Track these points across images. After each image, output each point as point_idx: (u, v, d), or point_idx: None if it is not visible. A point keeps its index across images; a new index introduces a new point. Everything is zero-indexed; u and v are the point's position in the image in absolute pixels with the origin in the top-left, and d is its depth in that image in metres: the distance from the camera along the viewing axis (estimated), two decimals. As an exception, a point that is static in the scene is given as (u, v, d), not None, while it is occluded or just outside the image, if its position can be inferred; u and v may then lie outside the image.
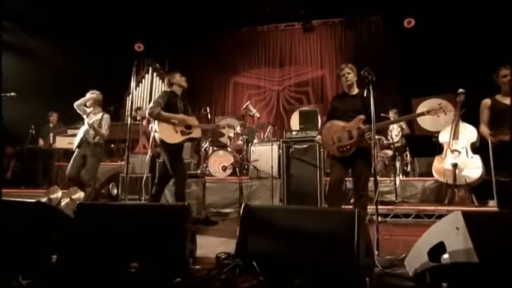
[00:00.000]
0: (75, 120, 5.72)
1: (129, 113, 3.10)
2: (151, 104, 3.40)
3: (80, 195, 4.96)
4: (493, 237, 1.45)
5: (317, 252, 1.64)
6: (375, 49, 8.13)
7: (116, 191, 5.15)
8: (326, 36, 9.04)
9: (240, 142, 5.65)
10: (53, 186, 4.99)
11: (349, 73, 3.14)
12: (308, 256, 1.66)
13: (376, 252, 2.22)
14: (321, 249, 1.63)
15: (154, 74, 7.71)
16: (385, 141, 6.44)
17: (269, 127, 5.57)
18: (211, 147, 5.72)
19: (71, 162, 4.25)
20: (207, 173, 5.41)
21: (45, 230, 2.04)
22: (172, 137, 3.41)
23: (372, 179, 2.79)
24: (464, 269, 1.44)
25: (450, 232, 1.59)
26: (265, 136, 5.54)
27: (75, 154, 4.28)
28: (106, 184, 5.19)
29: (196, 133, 3.46)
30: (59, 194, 4.93)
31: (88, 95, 4.29)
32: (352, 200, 3.35)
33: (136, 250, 1.92)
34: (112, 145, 6.77)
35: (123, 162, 5.47)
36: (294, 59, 9.14)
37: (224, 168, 5.30)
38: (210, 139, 5.74)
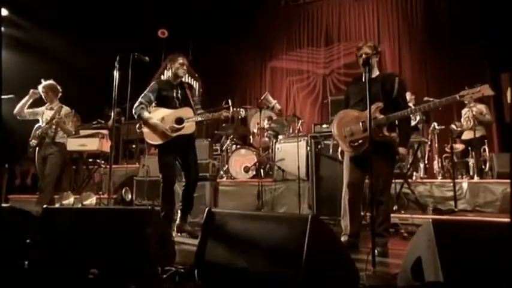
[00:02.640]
0: (89, 119, 6.44)
1: (114, 113, 3.35)
2: (137, 101, 3.57)
3: (92, 200, 5.62)
4: (464, 252, 1.40)
5: (267, 263, 1.73)
6: (453, 14, 7.62)
7: (129, 196, 5.68)
8: (385, 2, 8.69)
9: (265, 139, 5.78)
10: (66, 191, 5.71)
11: (367, 53, 3.10)
12: (257, 266, 1.76)
13: (371, 269, 2.22)
14: (270, 258, 1.72)
15: (177, 64, 8.23)
16: (456, 128, 6.06)
17: (300, 121, 5.61)
18: (233, 146, 5.95)
19: (38, 170, 4.43)
20: (229, 175, 5.66)
21: (18, 235, 2.44)
22: (158, 137, 3.52)
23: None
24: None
25: (424, 245, 1.57)
26: (296, 131, 5.59)
27: (36, 159, 4.40)
28: (120, 189, 5.75)
29: (189, 128, 3.50)
30: (71, 199, 5.62)
31: (39, 88, 4.37)
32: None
33: (98, 256, 2.20)
34: (133, 146, 7.43)
35: (139, 165, 5.98)
36: (343, 34, 8.98)
37: (247, 170, 5.49)
38: (231, 136, 5.97)
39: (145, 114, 3.55)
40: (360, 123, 3.03)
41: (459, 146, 6.12)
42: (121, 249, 2.18)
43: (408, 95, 6.49)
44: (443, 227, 1.48)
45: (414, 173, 5.94)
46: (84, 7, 7.17)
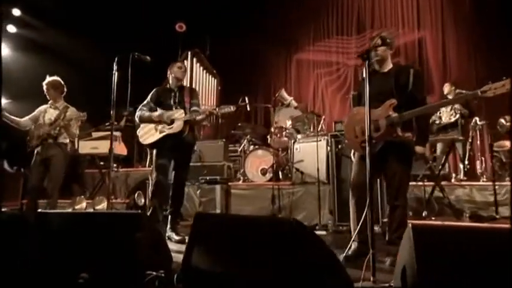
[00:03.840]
0: (102, 120, 6.79)
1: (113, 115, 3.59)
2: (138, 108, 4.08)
3: (104, 205, 5.95)
4: (443, 256, 1.44)
5: (251, 268, 1.84)
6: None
7: (143, 200, 5.95)
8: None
9: (284, 138, 5.87)
10: (79, 196, 6.08)
11: (379, 45, 3.13)
12: (242, 272, 1.87)
13: (371, 279, 2.27)
14: (253, 264, 1.83)
15: (194, 59, 8.48)
16: (505, 123, 5.86)
17: (321, 118, 5.65)
18: (251, 146, 6.08)
19: (32, 171, 4.55)
20: (246, 178, 5.79)
21: (12, 240, 2.70)
22: (147, 136, 3.98)
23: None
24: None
25: (407, 251, 1.63)
26: (316, 130, 5.64)
27: (33, 160, 4.49)
28: (133, 193, 6.04)
29: (177, 127, 3.85)
30: (84, 204, 5.98)
31: (44, 85, 4.55)
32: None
33: (89, 260, 2.41)
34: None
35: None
36: (377, 20, 8.86)
37: (264, 172, 5.60)
38: (248, 136, 6.10)
39: (145, 113, 4.01)
40: (372, 122, 3.06)
41: (507, 144, 5.92)
42: (111, 254, 2.37)
43: (447, 88, 6.37)
44: (423, 231, 1.52)
45: (454, 175, 5.82)
46: (95, 5, 7.55)
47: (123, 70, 3.69)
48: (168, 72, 4.13)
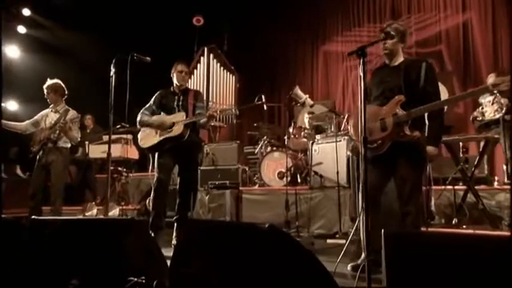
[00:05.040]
0: (114, 122, 7.11)
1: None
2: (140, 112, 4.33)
3: (115, 212, 6.25)
4: (414, 262, 1.52)
5: (233, 275, 1.98)
6: None
7: (154, 206, 6.20)
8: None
9: (303, 139, 5.94)
10: (90, 203, 6.42)
11: (381, 39, 3.18)
12: (224, 278, 2.01)
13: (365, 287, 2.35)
14: (235, 271, 1.97)
15: (211, 55, 8.69)
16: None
17: (345, 116, 5.66)
18: (268, 148, 6.19)
19: (33, 177, 4.81)
20: (262, 182, 5.91)
21: (8, 248, 2.96)
22: (147, 140, 4.20)
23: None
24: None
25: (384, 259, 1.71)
26: (342, 129, 5.67)
27: (35, 165, 4.76)
28: (144, 199, 6.30)
29: (176, 131, 4.04)
30: (94, 211, 6.32)
31: (45, 89, 4.82)
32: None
33: (79, 267, 2.62)
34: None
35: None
36: (414, 3, 8.68)
37: (281, 176, 5.69)
38: (264, 137, 6.22)
39: (145, 118, 4.26)
40: (379, 121, 3.11)
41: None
42: (102, 260, 2.57)
43: (491, 78, 6.18)
44: (394, 238, 1.59)
45: (496, 178, 5.68)
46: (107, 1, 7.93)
47: (134, 70, 3.94)
48: (172, 73, 4.33)
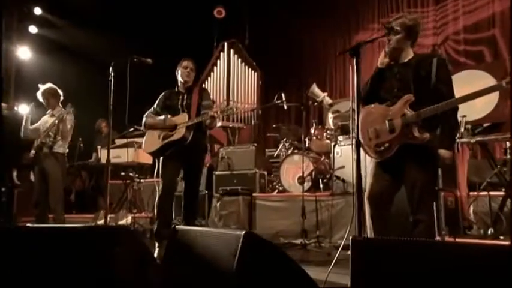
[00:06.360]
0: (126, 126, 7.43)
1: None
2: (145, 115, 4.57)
3: (127, 220, 6.56)
4: (379, 269, 1.65)
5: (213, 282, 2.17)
6: None
7: (168, 214, 6.46)
8: None
9: (327, 141, 6.01)
10: (102, 210, 6.74)
11: (383, 35, 3.25)
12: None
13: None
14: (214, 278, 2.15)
15: (232, 51, 8.89)
16: None
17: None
18: (289, 150, 6.31)
19: (35, 184, 5.19)
20: (281, 187, 6.05)
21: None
22: (150, 145, 4.44)
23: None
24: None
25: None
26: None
27: (35, 172, 5.18)
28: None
29: (178, 134, 4.20)
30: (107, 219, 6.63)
31: (38, 94, 5.19)
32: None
33: (67, 277, 2.87)
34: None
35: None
36: (461, -17, 8.57)
37: (301, 181, 5.79)
38: (285, 139, 6.34)
39: (149, 120, 4.49)
40: (386, 123, 3.19)
41: None
42: (91, 271, 2.80)
43: None
44: (360, 245, 1.73)
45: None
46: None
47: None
48: (177, 71, 4.49)
